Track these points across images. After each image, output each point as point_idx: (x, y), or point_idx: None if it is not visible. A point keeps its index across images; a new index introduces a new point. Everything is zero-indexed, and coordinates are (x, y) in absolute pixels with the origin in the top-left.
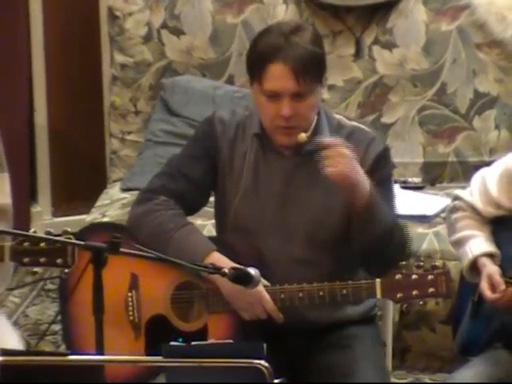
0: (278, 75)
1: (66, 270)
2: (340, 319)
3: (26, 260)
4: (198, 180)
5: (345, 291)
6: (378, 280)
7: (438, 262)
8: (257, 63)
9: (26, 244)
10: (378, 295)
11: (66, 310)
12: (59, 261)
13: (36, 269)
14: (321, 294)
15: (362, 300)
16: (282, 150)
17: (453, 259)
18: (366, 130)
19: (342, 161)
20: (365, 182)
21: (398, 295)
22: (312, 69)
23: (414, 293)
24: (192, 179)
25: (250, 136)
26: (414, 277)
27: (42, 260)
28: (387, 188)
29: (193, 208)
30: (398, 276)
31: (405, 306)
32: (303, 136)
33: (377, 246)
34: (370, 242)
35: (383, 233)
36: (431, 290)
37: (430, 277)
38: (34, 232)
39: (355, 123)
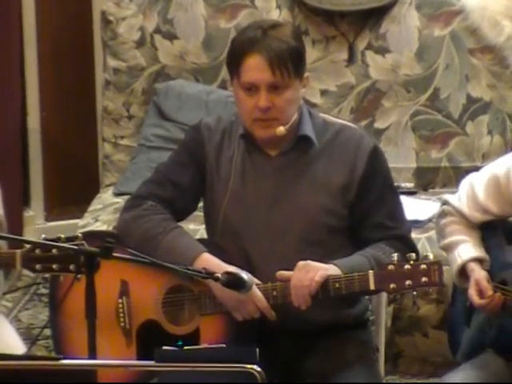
0: (254, 66)
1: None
2: (333, 321)
3: (38, 267)
4: (186, 186)
5: (337, 284)
6: (370, 272)
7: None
8: (235, 57)
9: (37, 251)
10: (372, 286)
11: (56, 318)
12: (72, 267)
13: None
14: None
15: (356, 293)
16: (268, 151)
17: (446, 264)
18: (354, 127)
19: (305, 290)
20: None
21: (392, 286)
22: (288, 62)
23: (407, 283)
24: (180, 185)
25: (236, 139)
26: (406, 267)
27: (55, 266)
28: (387, 190)
29: (181, 214)
30: (391, 267)
31: (397, 300)
32: (281, 129)
33: None
34: None
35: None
36: (424, 279)
37: (422, 266)
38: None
39: (341, 121)
